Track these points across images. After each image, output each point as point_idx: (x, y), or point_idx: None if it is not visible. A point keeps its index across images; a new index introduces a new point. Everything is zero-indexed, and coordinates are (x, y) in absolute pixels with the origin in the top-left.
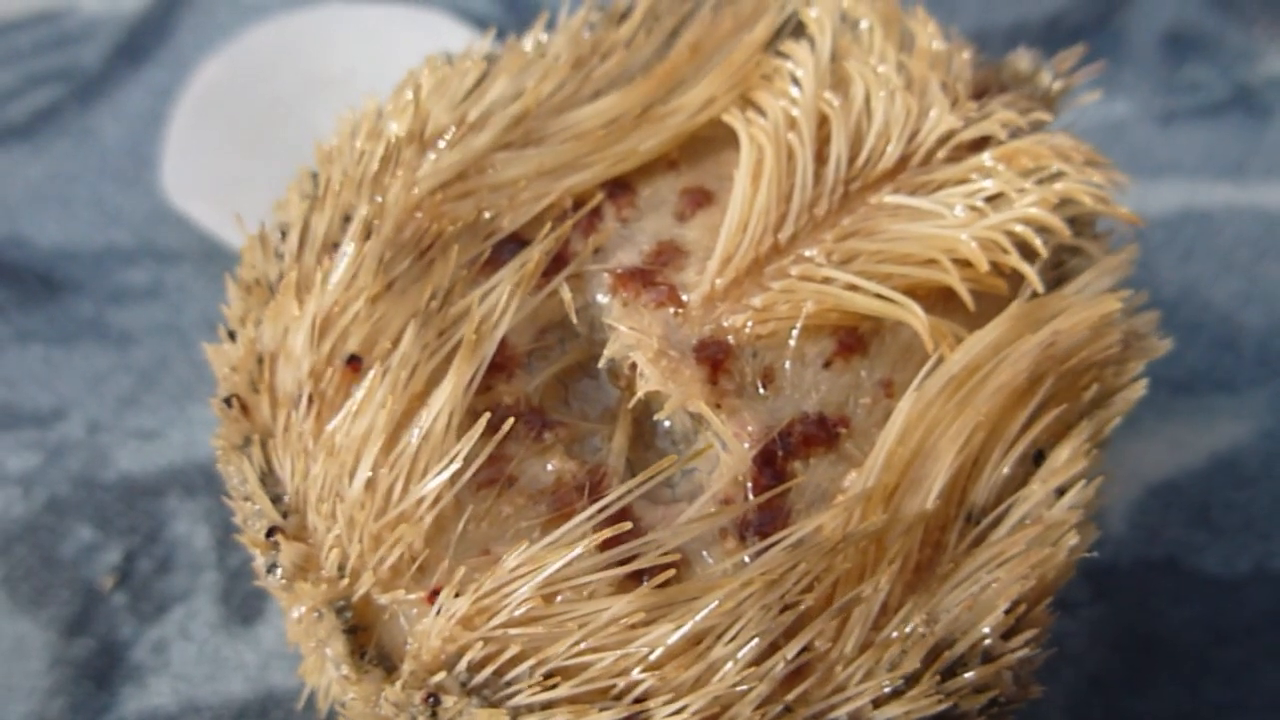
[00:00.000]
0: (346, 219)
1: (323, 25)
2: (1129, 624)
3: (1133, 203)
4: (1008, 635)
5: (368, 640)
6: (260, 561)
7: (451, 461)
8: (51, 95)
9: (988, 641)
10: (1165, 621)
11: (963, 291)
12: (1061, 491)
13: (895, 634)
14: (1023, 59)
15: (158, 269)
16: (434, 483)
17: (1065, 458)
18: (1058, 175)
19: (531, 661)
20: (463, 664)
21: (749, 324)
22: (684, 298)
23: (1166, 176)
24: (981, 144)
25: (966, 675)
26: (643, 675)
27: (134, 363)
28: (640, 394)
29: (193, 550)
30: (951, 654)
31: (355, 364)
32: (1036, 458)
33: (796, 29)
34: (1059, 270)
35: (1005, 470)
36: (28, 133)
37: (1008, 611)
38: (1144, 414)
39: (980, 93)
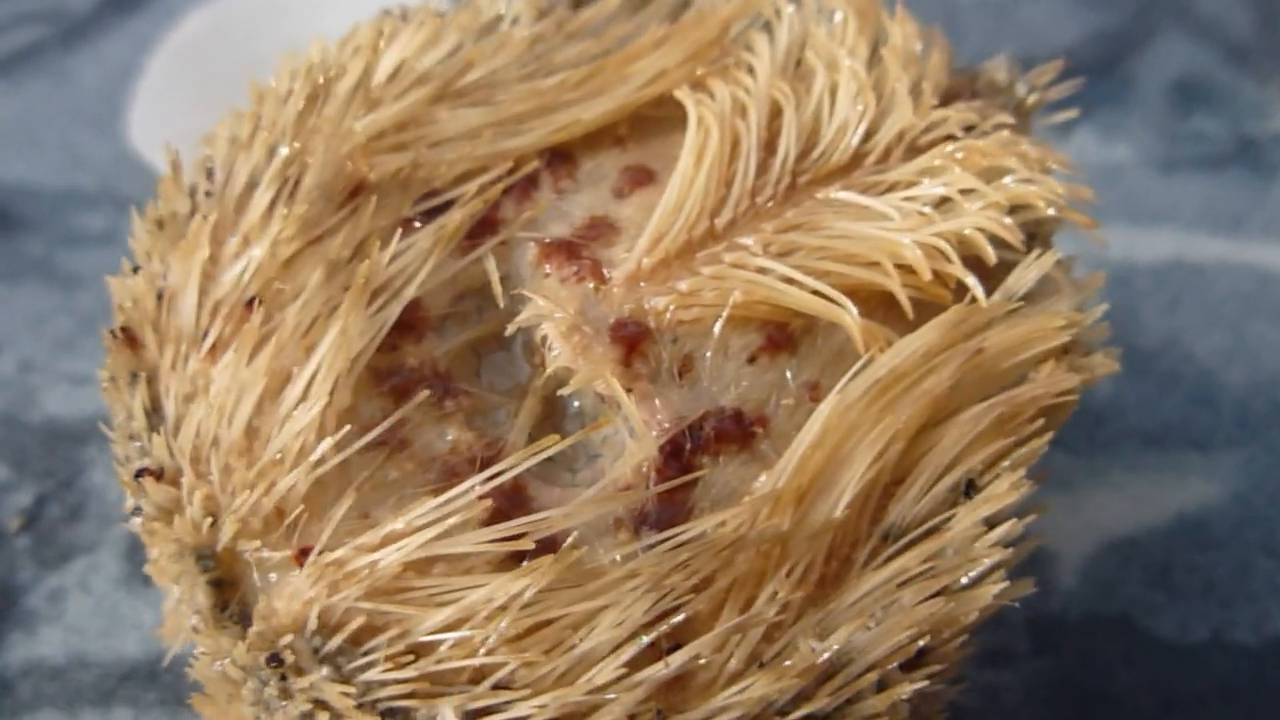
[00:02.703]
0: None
1: None
2: (1072, 681)
3: (1123, 249)
4: (909, 667)
5: (232, 596)
6: (129, 503)
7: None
8: (34, 35)
9: (884, 669)
10: (1111, 682)
11: (902, 297)
12: (992, 524)
13: (785, 648)
14: (999, 69)
15: (115, 216)
16: (303, 421)
17: (1001, 489)
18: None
19: (392, 633)
20: (313, 627)
21: (671, 308)
22: (608, 274)
23: (1161, 225)
24: (941, 146)
25: (858, 703)
26: (507, 662)
27: (77, 306)
28: (550, 370)
29: (105, 502)
30: (844, 677)
31: (251, 306)
32: (968, 489)
33: (768, 25)
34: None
35: (930, 491)
36: (5, 70)
37: (911, 640)
38: (1110, 465)
39: (950, 98)
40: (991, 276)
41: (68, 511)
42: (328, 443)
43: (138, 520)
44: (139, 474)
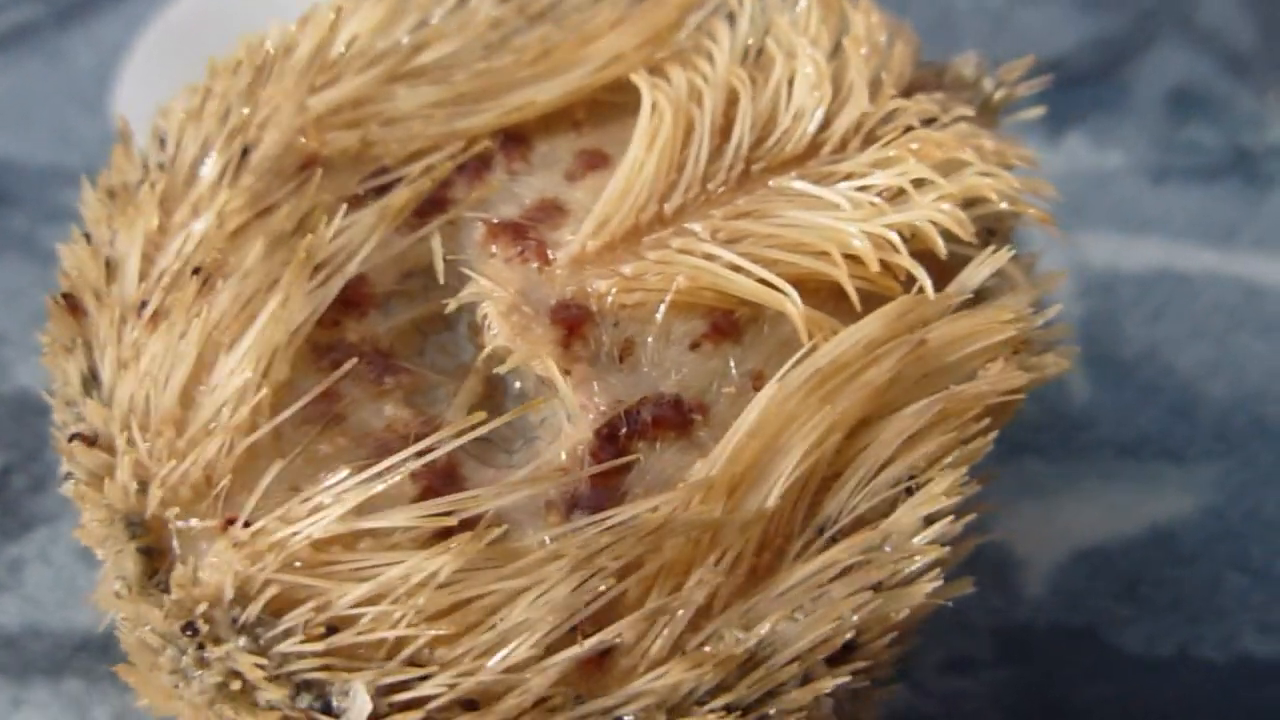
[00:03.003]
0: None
1: None
2: (1035, 692)
3: (1109, 256)
4: (834, 661)
5: (161, 564)
6: (63, 468)
7: (261, 388)
8: (30, 14)
9: (808, 663)
10: (1075, 695)
11: (849, 288)
12: (930, 522)
13: (710, 638)
14: (967, 64)
15: None
16: (230, 390)
17: (940, 488)
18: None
19: (311, 605)
20: (230, 597)
21: (614, 291)
22: (552, 256)
23: (1150, 234)
24: (897, 137)
25: (780, 695)
26: (427, 637)
27: (55, 282)
28: (488, 348)
29: None
30: (767, 669)
31: (193, 276)
32: (908, 486)
33: (730, 14)
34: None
35: (868, 486)
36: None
37: (836, 634)
38: (1085, 474)
39: (913, 90)
40: (949, 271)
41: (32, 482)
42: (251, 411)
43: (69, 485)
44: (71, 438)
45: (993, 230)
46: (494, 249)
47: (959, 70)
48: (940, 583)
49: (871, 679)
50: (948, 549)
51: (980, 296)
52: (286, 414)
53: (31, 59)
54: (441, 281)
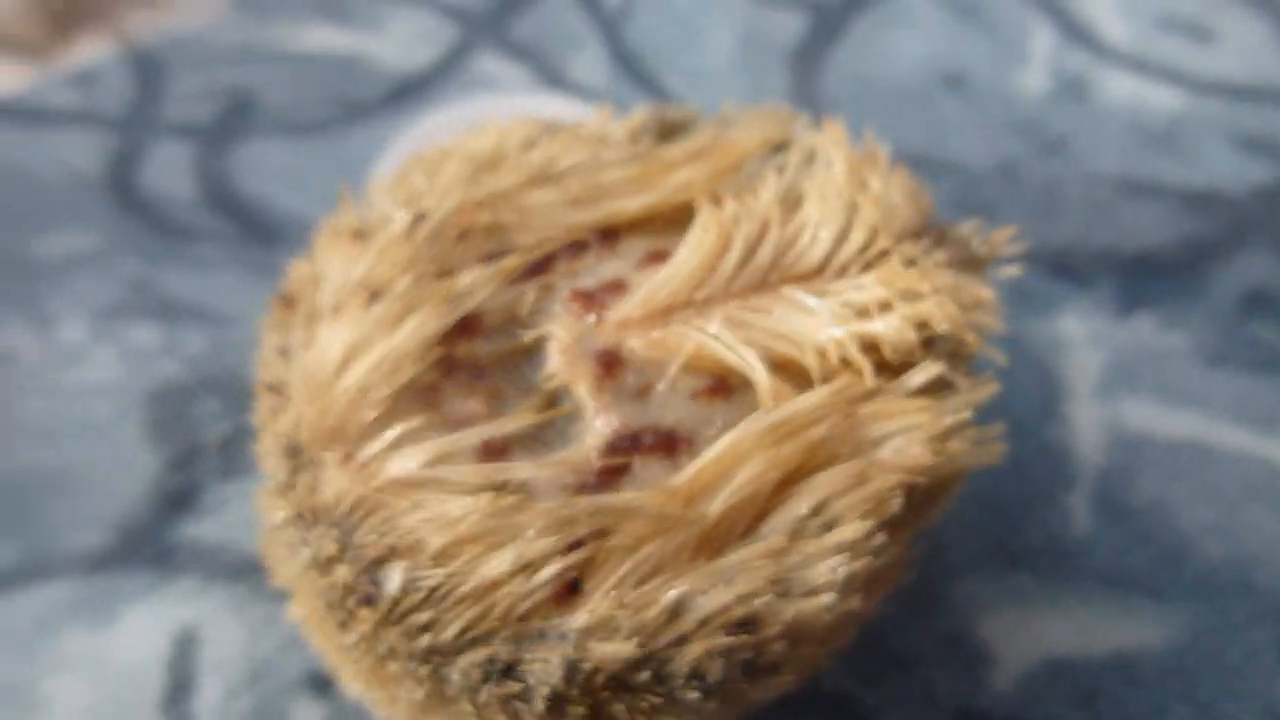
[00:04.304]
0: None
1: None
2: None
3: (1144, 422)
4: (731, 633)
5: (299, 477)
6: (257, 405)
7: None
8: (325, 114)
9: (710, 625)
10: None
11: (813, 367)
12: (834, 553)
13: (645, 593)
14: (966, 228)
15: None
16: (368, 371)
17: (849, 532)
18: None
19: (383, 515)
20: (332, 502)
21: (643, 347)
22: (606, 317)
23: (1190, 408)
24: (880, 268)
25: (684, 645)
26: (449, 552)
27: None
28: (550, 371)
29: None
30: (679, 622)
31: (364, 292)
32: (827, 526)
33: (781, 165)
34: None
35: (794, 518)
36: (304, 135)
37: (734, 609)
38: (1067, 596)
39: (909, 238)
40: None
41: (252, 440)
42: (379, 388)
43: (253, 417)
44: (263, 386)
45: (955, 354)
46: (571, 307)
47: (958, 231)
48: (829, 603)
49: (762, 659)
50: (841, 577)
51: (920, 392)
52: (401, 392)
53: (320, 142)
54: (530, 325)
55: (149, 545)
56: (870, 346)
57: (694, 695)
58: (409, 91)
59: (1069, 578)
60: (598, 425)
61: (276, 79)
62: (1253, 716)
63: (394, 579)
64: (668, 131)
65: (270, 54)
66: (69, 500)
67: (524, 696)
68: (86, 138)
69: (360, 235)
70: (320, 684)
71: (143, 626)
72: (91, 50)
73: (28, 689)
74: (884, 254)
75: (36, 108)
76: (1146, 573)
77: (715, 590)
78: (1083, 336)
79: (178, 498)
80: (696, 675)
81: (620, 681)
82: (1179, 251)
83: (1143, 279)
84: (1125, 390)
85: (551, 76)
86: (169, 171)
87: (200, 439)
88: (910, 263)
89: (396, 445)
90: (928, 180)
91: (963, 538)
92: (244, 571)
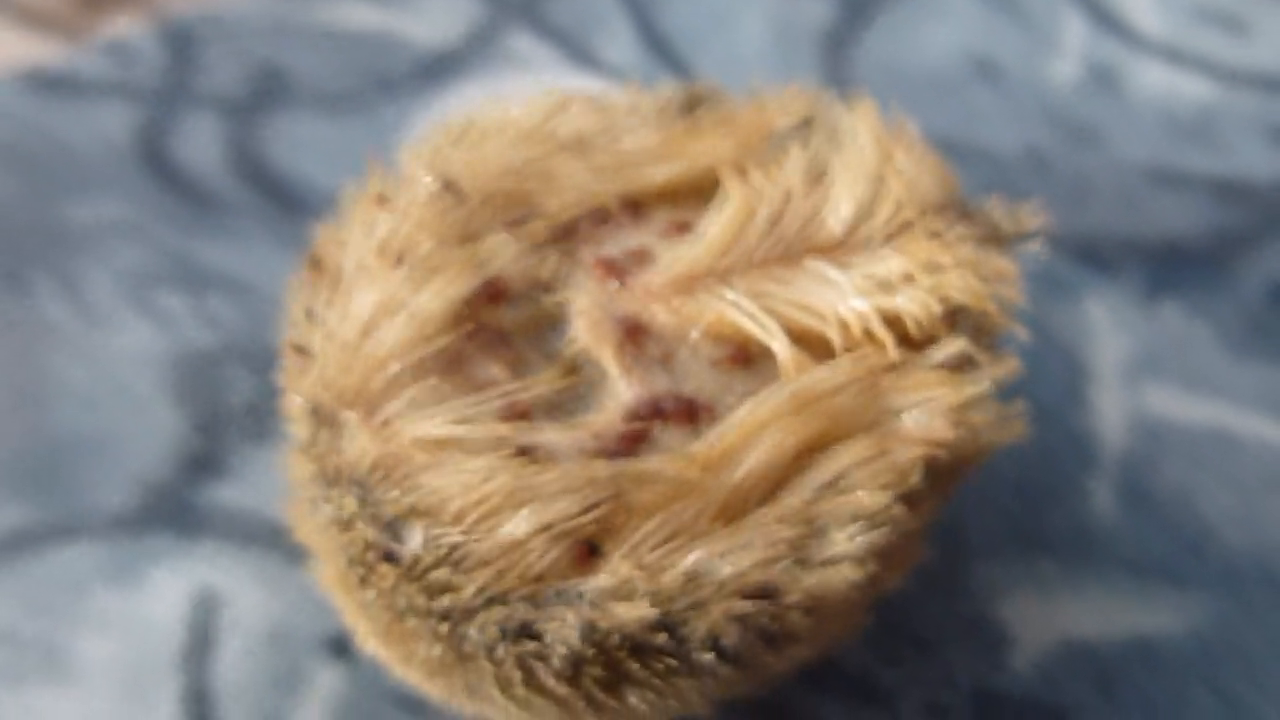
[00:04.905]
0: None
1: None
2: None
3: (1168, 408)
4: (750, 599)
5: (321, 436)
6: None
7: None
8: (363, 87)
9: (728, 590)
10: None
11: (835, 339)
12: (852, 520)
13: (662, 557)
14: (993, 205)
15: None
16: (393, 334)
17: (867, 501)
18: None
19: (404, 472)
20: (353, 460)
21: (665, 314)
22: (630, 285)
23: (1215, 397)
24: (904, 241)
25: (701, 609)
26: (469, 514)
27: None
28: (572, 335)
29: None
30: (696, 586)
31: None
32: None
33: (806, 139)
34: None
35: (814, 487)
36: (335, 109)
37: (752, 574)
38: (1090, 583)
39: (932, 212)
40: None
41: (279, 407)
42: (402, 350)
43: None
44: (290, 346)
45: (979, 330)
46: (594, 274)
47: (983, 208)
48: (848, 573)
49: (779, 627)
50: (860, 545)
51: (941, 366)
52: (424, 355)
53: (351, 117)
54: (554, 291)
55: (174, 507)
56: (893, 320)
57: (710, 659)
58: (440, 68)
59: (1090, 562)
60: (620, 391)
61: (308, 54)
62: (1274, 704)
63: (415, 537)
64: (695, 106)
65: (302, 29)
66: (97, 463)
67: (541, 655)
68: (119, 109)
69: (386, 200)
70: (339, 646)
71: (166, 586)
72: (124, 25)
73: (55, 645)
74: (908, 226)
75: (69, 78)
76: (1168, 559)
77: (733, 555)
78: (1109, 323)
79: (204, 461)
80: (713, 639)
81: (637, 643)
82: (1207, 241)
83: (1170, 268)
84: (1150, 377)
85: (582, 57)
86: (201, 143)
87: (227, 405)
88: (934, 235)
89: (418, 405)
90: (957, 167)
91: (984, 520)
92: (266, 535)
